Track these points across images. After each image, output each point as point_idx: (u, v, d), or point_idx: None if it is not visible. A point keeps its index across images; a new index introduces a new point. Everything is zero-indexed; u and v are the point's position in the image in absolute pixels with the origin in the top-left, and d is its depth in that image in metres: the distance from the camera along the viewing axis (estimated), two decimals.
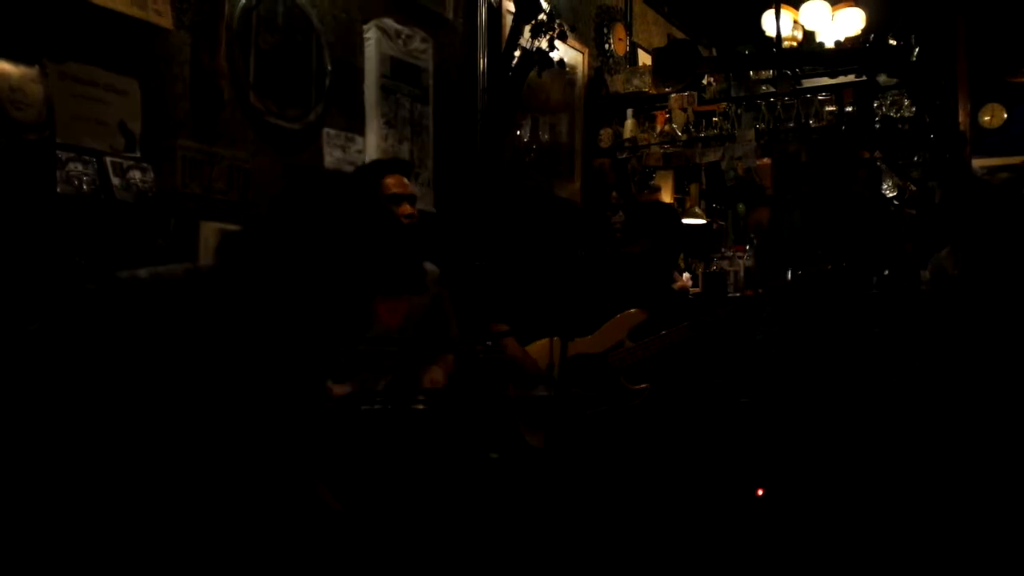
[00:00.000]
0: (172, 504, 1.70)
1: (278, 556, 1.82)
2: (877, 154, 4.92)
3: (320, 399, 2.31)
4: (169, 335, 1.73)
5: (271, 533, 1.82)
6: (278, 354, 1.85)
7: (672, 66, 5.41)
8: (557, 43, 4.88)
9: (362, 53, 4.23)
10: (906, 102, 4.94)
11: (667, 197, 5.97)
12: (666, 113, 5.67)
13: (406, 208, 3.24)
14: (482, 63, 4.93)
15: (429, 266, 3.38)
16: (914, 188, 4.88)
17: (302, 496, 1.97)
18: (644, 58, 6.23)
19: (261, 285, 1.79)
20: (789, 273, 3.57)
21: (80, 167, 2.97)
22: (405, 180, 3.31)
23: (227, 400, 1.77)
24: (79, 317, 1.73)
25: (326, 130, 4.01)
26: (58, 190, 2.89)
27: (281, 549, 1.83)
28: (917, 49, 4.78)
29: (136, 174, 3.14)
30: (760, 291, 3.60)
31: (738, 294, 5.04)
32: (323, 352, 2.04)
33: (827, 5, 5.66)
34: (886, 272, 4.03)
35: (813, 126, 5.15)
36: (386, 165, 3.43)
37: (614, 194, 5.70)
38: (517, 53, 4.92)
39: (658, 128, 5.70)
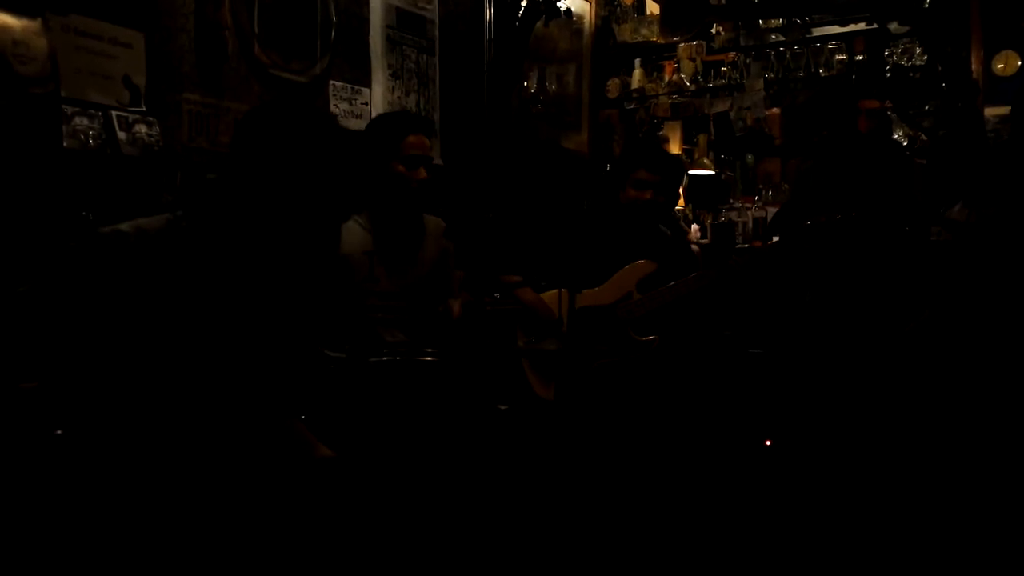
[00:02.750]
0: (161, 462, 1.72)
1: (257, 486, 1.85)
2: (888, 103, 4.87)
3: (305, 337, 2.32)
4: (150, 284, 1.75)
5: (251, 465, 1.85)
6: (253, 287, 1.89)
7: (680, 15, 5.34)
8: None
9: (367, 4, 4.19)
10: (918, 50, 4.88)
11: (675, 148, 5.93)
12: (674, 63, 5.62)
13: (422, 172, 3.17)
14: (488, 13, 4.88)
15: (435, 220, 3.37)
16: (925, 138, 4.83)
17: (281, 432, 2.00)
18: (652, 7, 6.14)
19: (228, 224, 1.83)
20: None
21: (86, 121, 2.96)
22: (427, 140, 3.23)
23: (210, 338, 1.81)
24: (63, 276, 1.74)
25: (332, 82, 3.99)
26: (64, 145, 2.89)
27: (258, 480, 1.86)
28: None
29: (142, 128, 3.13)
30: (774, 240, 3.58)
31: (747, 245, 5.03)
32: (297, 286, 2.07)
33: None
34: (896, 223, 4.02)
35: (823, 75, 5.10)
36: (411, 123, 3.34)
37: (616, 137, 5.69)
38: (524, 3, 4.87)
39: (666, 78, 5.66)
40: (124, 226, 1.80)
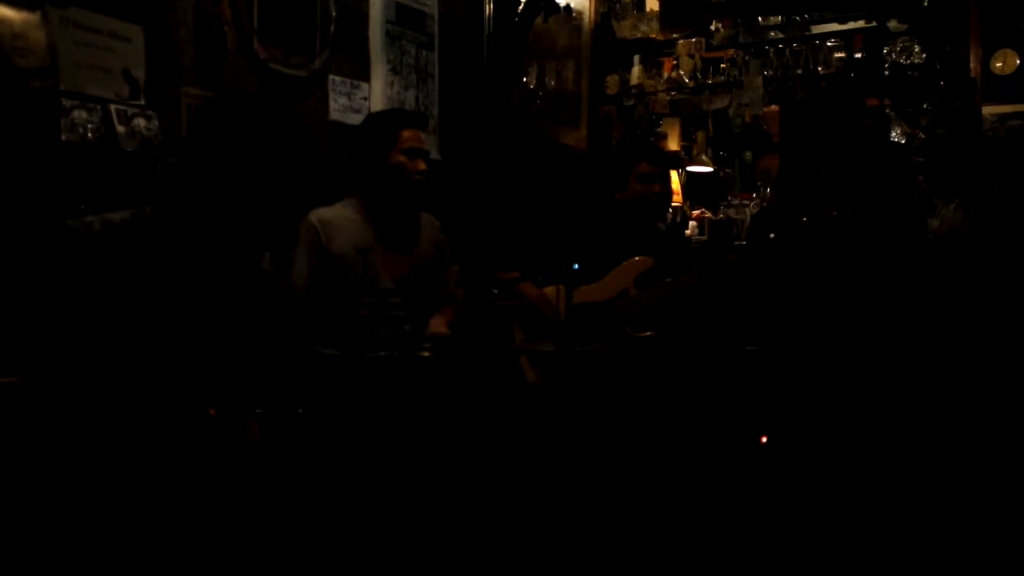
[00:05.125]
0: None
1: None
2: (886, 101, 4.87)
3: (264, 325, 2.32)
4: (116, 274, 1.77)
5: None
6: (215, 272, 1.91)
7: (679, 12, 5.34)
8: None
9: None
10: (916, 48, 4.88)
11: (674, 144, 5.94)
12: (673, 59, 5.62)
13: (420, 164, 3.22)
14: (488, 9, 4.88)
15: (430, 217, 3.39)
16: (923, 136, 4.84)
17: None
18: (651, 3, 6.14)
19: (188, 217, 1.86)
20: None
21: (84, 115, 2.97)
22: (421, 134, 3.28)
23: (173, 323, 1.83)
24: (32, 265, 1.77)
25: (331, 77, 3.99)
26: (63, 138, 2.88)
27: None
28: None
29: (141, 122, 3.13)
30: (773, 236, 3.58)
31: (744, 242, 5.03)
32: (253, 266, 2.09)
33: None
34: (893, 220, 4.02)
35: (822, 73, 5.11)
36: (405, 118, 3.38)
37: (615, 134, 5.70)
38: None
39: (665, 75, 5.66)
40: (91, 218, 1.83)
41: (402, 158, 3.18)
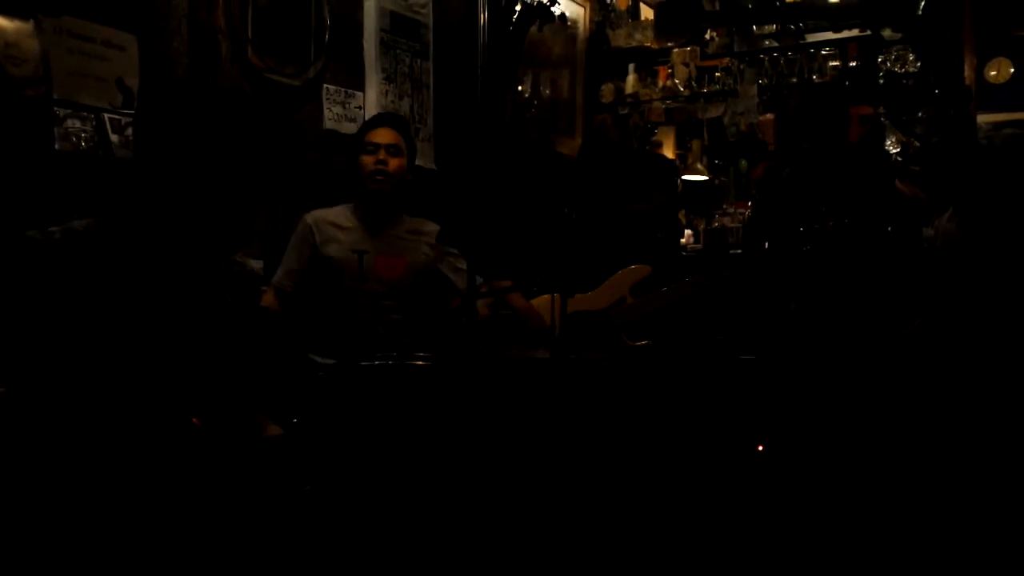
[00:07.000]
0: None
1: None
2: (880, 110, 4.88)
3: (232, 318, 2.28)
4: (79, 282, 1.76)
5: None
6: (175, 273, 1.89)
7: (674, 20, 5.36)
8: None
9: (361, 8, 4.19)
10: (911, 57, 4.89)
11: (669, 153, 5.94)
12: (668, 68, 5.63)
13: (381, 154, 3.28)
14: (483, 17, 4.88)
15: (430, 224, 3.39)
16: (918, 144, 4.85)
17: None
18: (646, 12, 6.16)
19: (142, 218, 1.84)
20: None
21: (78, 124, 2.96)
22: (390, 132, 3.34)
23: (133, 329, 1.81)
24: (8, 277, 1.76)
25: (326, 86, 3.98)
26: (56, 147, 2.88)
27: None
28: (923, 3, 4.73)
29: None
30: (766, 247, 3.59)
31: (739, 251, 5.03)
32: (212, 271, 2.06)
33: None
34: (888, 229, 4.02)
35: (816, 81, 5.12)
36: (374, 120, 3.50)
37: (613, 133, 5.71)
38: (518, 7, 4.87)
39: (660, 83, 5.67)
40: (53, 228, 1.82)
41: (364, 157, 3.24)
